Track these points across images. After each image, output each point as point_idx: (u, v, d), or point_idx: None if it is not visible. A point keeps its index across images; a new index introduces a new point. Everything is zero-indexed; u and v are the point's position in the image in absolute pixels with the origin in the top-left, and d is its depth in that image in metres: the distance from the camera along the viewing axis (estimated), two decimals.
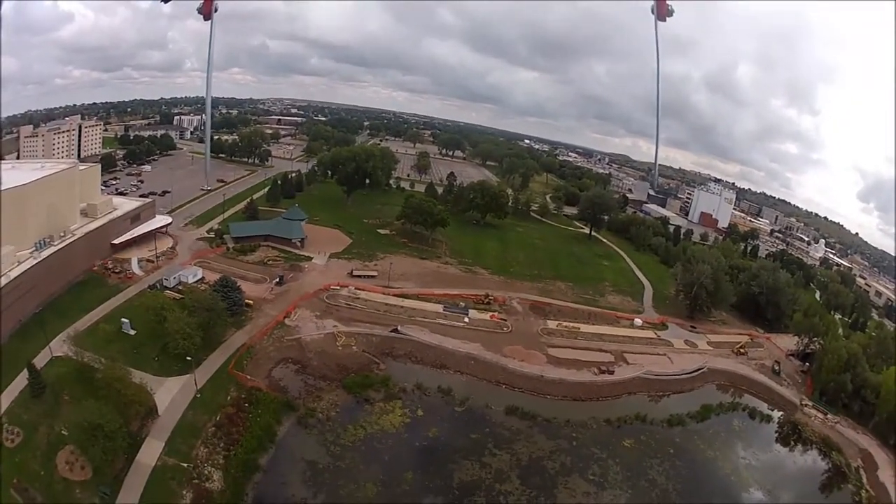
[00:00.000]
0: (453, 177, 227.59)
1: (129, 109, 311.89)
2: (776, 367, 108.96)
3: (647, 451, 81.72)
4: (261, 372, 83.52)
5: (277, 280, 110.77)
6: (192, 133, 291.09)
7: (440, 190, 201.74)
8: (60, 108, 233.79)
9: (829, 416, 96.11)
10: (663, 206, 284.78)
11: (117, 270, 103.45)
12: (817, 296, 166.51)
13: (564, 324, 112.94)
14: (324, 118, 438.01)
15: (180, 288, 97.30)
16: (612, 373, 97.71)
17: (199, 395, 74.21)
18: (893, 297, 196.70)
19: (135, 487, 59.79)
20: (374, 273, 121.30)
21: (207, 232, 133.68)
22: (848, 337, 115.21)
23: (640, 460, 79.82)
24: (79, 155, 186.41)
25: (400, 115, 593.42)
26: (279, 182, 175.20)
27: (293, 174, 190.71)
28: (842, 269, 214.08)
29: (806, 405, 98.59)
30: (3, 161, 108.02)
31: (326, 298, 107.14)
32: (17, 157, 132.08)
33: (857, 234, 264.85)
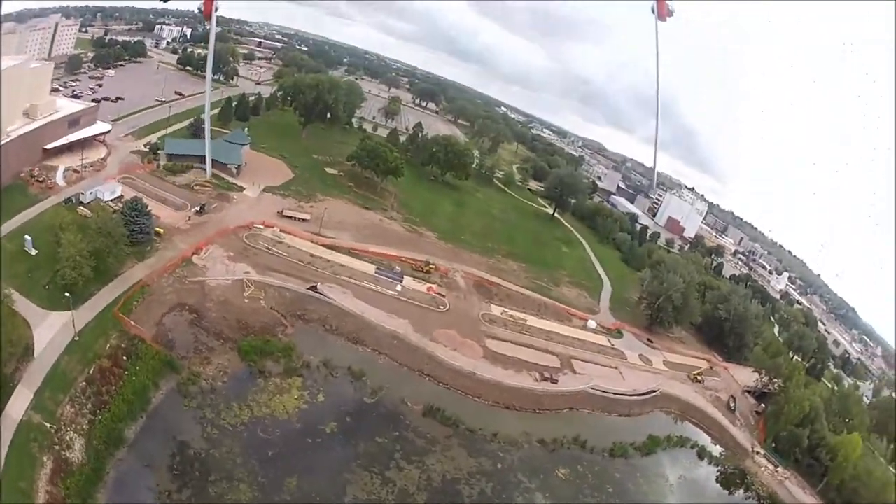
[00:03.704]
0: (420, 127, 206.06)
1: (115, 14, 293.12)
2: (731, 404, 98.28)
3: (583, 487, 69.17)
4: (150, 318, 69.50)
5: (198, 209, 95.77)
6: (168, 43, 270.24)
7: (403, 139, 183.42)
8: (54, 7, 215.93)
9: (779, 469, 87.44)
10: (632, 202, 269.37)
11: (41, 179, 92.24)
12: (775, 330, 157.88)
13: (510, 312, 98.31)
14: (305, 48, 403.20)
15: (92, 206, 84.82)
16: (556, 381, 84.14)
17: (77, 339, 62.73)
18: (850, 349, 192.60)
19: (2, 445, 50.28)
20: (307, 216, 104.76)
21: (144, 145, 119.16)
22: (807, 385, 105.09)
23: (574, 497, 66.99)
24: (49, 53, 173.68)
25: (383, 59, 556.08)
26: (234, 103, 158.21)
27: (253, 97, 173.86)
28: (803, 308, 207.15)
29: (758, 453, 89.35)
30: None
31: (246, 238, 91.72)
32: None
33: (819, 275, 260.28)
